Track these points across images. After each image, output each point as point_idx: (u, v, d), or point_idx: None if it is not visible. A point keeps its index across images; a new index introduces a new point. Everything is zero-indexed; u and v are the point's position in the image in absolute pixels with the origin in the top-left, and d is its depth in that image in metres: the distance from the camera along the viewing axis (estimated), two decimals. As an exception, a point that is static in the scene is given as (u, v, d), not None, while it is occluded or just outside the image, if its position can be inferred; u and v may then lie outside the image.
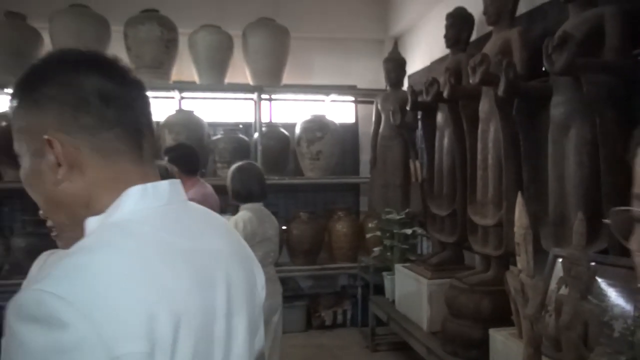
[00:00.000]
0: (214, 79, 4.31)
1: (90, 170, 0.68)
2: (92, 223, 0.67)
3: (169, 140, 4.06)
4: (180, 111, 4.35)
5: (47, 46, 4.10)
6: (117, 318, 0.55)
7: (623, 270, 1.83)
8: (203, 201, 2.83)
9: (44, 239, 1.11)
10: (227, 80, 4.45)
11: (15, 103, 0.71)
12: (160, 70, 4.12)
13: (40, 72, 0.70)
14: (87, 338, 0.53)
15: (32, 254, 1.29)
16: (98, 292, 0.56)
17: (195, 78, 4.39)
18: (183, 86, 4.48)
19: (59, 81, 0.68)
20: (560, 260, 2.01)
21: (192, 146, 3.33)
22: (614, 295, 1.81)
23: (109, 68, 0.72)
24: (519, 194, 1.97)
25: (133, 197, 0.68)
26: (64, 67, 0.70)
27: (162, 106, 4.55)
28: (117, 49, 4.21)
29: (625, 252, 1.80)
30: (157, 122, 4.21)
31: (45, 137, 0.66)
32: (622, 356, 1.45)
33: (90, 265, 0.58)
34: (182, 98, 4.65)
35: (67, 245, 1.12)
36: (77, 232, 1.07)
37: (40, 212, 1.12)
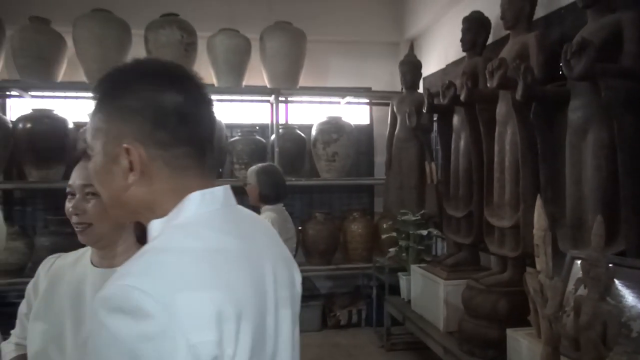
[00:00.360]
0: (232, 81, 4.38)
1: (157, 180, 0.74)
2: (155, 225, 0.75)
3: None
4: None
5: (70, 49, 4.21)
6: (192, 311, 0.62)
7: (640, 272, 1.87)
8: None
9: (67, 237, 1.17)
10: (244, 82, 4.52)
11: (97, 104, 0.77)
12: (180, 73, 4.20)
13: (127, 81, 0.76)
14: (168, 328, 0.60)
15: (55, 253, 1.34)
16: (175, 288, 0.62)
17: (214, 81, 4.47)
18: (202, 89, 4.55)
19: (144, 96, 0.74)
20: (578, 261, 2.05)
21: None
22: (631, 297, 1.84)
23: (189, 85, 0.77)
24: (538, 196, 2.01)
25: (194, 202, 0.75)
26: (150, 82, 0.75)
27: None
28: (137, 52, 4.31)
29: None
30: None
31: (125, 145, 0.72)
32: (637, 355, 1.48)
33: (167, 264, 0.65)
34: (200, 100, 4.73)
35: (90, 241, 1.17)
36: (104, 229, 1.13)
37: (70, 209, 1.16)
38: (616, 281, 1.92)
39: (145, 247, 0.69)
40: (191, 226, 0.72)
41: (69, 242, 1.26)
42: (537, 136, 2.51)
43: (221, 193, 0.78)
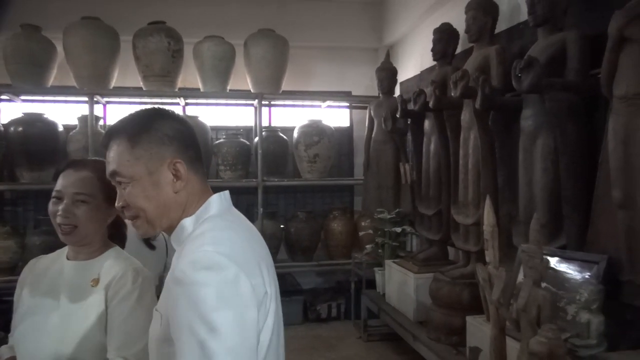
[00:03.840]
0: (218, 86, 4.57)
1: (190, 185, 1.04)
2: (188, 222, 1.03)
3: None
4: (185, 117, 4.61)
5: (60, 55, 4.37)
6: (248, 265, 0.92)
7: (578, 262, 2.13)
8: None
9: (58, 236, 1.30)
10: (229, 87, 4.72)
11: (130, 139, 1.01)
12: (168, 78, 4.38)
13: (153, 118, 1.04)
14: (239, 274, 0.89)
15: (46, 251, 1.49)
16: (236, 251, 0.93)
17: (200, 85, 4.66)
18: (189, 93, 4.74)
19: (173, 127, 1.04)
20: (526, 254, 2.30)
21: None
22: (569, 284, 2.09)
23: (180, 118, 1.09)
24: (487, 196, 2.25)
25: (216, 201, 1.06)
26: (167, 118, 1.06)
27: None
28: (126, 59, 4.49)
29: (581, 247, 2.11)
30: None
31: (176, 160, 1.01)
32: (566, 333, 1.73)
33: (225, 237, 0.96)
34: (187, 104, 4.92)
35: (73, 241, 1.38)
36: (88, 231, 1.36)
37: (59, 212, 1.32)
38: (560, 270, 2.18)
39: (201, 230, 0.98)
40: (223, 216, 1.04)
41: (59, 241, 1.42)
42: (495, 141, 2.76)
43: (228, 195, 1.11)
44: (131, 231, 2.20)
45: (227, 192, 1.10)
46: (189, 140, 1.06)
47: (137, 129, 1.02)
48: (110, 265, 1.38)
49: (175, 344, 0.87)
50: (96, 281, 1.35)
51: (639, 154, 1.90)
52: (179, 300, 0.87)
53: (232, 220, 1.04)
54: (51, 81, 4.42)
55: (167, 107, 1.09)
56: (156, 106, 1.10)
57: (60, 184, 1.36)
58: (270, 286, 0.97)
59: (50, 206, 1.36)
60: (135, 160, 1.01)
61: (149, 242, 2.17)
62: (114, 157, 1.02)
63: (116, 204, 1.06)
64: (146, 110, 1.08)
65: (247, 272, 0.89)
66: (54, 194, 1.36)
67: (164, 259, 2.33)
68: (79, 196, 1.34)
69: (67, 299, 1.34)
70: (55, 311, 1.33)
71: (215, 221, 1.01)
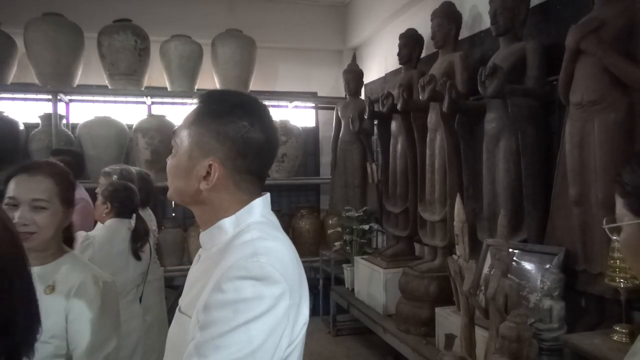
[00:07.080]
0: (185, 86, 4.56)
1: (224, 192, 0.93)
2: (228, 223, 0.95)
3: (142, 143, 4.30)
4: (152, 116, 4.58)
5: (20, 51, 4.24)
6: (292, 279, 0.88)
7: (538, 254, 2.32)
8: (87, 200, 2.96)
9: None
10: (196, 86, 4.71)
11: (199, 117, 0.92)
12: (134, 77, 4.34)
13: (230, 110, 0.92)
14: (286, 290, 0.85)
15: None
16: (284, 264, 0.88)
17: (167, 84, 4.63)
18: (156, 93, 4.70)
19: (239, 128, 0.91)
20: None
21: (79, 152, 3.81)
22: (531, 275, 2.28)
23: (271, 127, 0.95)
24: (458, 194, 2.41)
25: (258, 206, 0.96)
26: (245, 116, 0.92)
27: (134, 111, 4.80)
28: (90, 56, 4.41)
29: (540, 241, 2.30)
30: (130, 127, 4.45)
31: (210, 161, 0.90)
32: (530, 318, 1.89)
33: (275, 249, 0.90)
34: (153, 103, 4.88)
35: (34, 246, 1.31)
36: (48, 236, 1.30)
37: (16, 220, 1.24)
38: (522, 262, 2.37)
39: (249, 237, 0.91)
40: (267, 222, 0.96)
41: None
42: (461, 142, 2.93)
43: (269, 199, 1.02)
44: (124, 239, 2.23)
45: (268, 196, 1.00)
46: (252, 151, 0.92)
47: (209, 107, 0.93)
48: (67, 271, 1.32)
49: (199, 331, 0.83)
50: (51, 288, 1.29)
51: (592, 156, 2.09)
52: (218, 306, 0.83)
53: (276, 228, 0.97)
54: (11, 78, 4.28)
55: (265, 106, 0.97)
56: (252, 97, 0.99)
57: (14, 189, 1.29)
58: (307, 305, 0.93)
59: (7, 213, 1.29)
60: (190, 134, 0.93)
61: (137, 253, 2.21)
62: (187, 117, 0.95)
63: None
64: (239, 96, 0.96)
65: (291, 290, 0.87)
66: (6, 200, 1.29)
67: (145, 269, 2.37)
68: (37, 202, 1.28)
69: None
70: None
71: (262, 229, 0.93)
